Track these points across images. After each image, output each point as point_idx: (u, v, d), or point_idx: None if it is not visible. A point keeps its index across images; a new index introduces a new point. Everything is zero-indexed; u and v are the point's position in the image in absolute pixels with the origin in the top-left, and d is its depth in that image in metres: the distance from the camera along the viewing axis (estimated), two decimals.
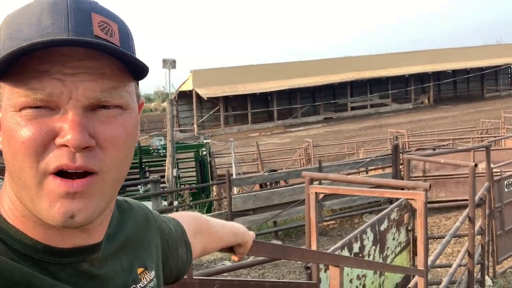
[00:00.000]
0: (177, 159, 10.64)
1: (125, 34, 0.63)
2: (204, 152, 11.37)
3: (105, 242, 0.69)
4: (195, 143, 12.62)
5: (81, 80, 0.58)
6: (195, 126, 32.40)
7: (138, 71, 0.63)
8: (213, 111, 32.78)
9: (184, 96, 33.30)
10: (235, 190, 9.60)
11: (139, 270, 0.76)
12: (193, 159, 11.48)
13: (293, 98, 34.62)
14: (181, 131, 29.89)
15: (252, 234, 1.24)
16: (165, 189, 9.18)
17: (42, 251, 0.62)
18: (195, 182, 11.38)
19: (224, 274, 3.65)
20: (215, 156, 12.35)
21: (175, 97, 25.26)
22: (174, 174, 9.40)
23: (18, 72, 0.57)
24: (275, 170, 10.75)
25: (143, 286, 0.76)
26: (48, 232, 0.63)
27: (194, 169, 11.43)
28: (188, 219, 1.04)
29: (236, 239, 1.17)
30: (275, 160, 15.78)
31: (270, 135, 28.24)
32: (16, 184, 0.60)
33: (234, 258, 1.24)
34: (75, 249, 0.64)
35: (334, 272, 2.03)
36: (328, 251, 3.62)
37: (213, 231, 1.10)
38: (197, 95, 31.92)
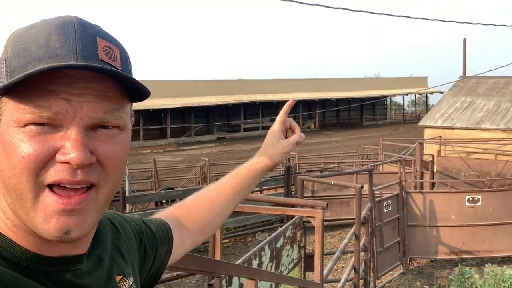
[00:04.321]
0: None
1: (125, 59, 0.68)
2: None
3: (86, 257, 0.72)
4: None
5: (86, 101, 0.62)
6: None
7: (136, 93, 0.67)
8: None
9: None
10: (128, 208, 9.28)
11: (118, 277, 0.79)
12: None
13: (187, 116, 34.52)
14: None
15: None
16: None
17: (31, 260, 0.64)
18: None
19: None
20: None
21: None
22: None
23: (25, 90, 0.60)
24: (172, 188, 10.62)
25: None
26: (38, 241, 0.64)
27: None
28: (173, 210, 1.06)
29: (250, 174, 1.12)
30: (170, 178, 15.56)
31: (162, 153, 27.74)
32: (11, 196, 0.62)
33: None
34: (61, 258, 0.67)
35: (250, 285, 2.13)
36: None
37: (201, 204, 1.07)
38: None
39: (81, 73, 0.61)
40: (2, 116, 0.62)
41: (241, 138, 34.56)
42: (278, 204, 4.48)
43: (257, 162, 1.15)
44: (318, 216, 3.51)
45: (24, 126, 0.60)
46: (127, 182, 10.73)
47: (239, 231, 9.97)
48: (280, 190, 10.49)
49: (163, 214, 1.05)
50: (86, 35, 0.63)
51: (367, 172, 7.35)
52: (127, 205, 8.76)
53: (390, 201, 8.32)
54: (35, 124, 0.60)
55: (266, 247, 4.60)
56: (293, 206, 4.30)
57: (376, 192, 7.64)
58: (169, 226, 1.00)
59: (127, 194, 9.65)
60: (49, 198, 0.60)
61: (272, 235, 4.96)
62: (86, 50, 0.62)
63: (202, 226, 1.06)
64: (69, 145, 0.60)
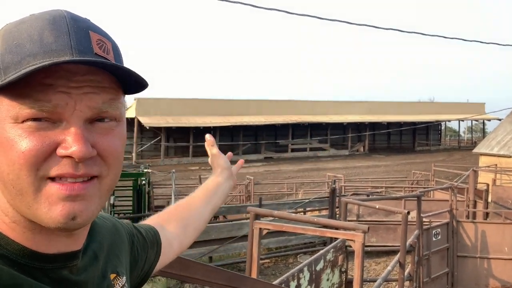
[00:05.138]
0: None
1: (117, 51, 0.68)
2: (143, 182, 11.11)
3: (81, 253, 0.72)
4: (134, 171, 12.32)
5: (84, 93, 0.62)
6: (133, 154, 31.64)
7: (130, 85, 0.68)
8: (154, 140, 32.27)
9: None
10: None
11: (112, 276, 0.79)
12: (131, 187, 11.18)
13: (235, 135, 34.90)
14: None
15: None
16: None
17: (28, 256, 0.64)
18: (130, 211, 11.04)
19: None
20: (153, 186, 12.11)
21: None
22: (111, 201, 9.10)
23: (21, 86, 0.60)
24: None
25: None
26: (36, 237, 0.65)
27: (131, 198, 11.11)
28: (157, 217, 1.10)
29: (218, 184, 1.27)
30: None
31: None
32: (10, 193, 0.62)
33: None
34: (58, 255, 0.67)
35: None
36: None
37: (184, 208, 1.15)
38: (139, 124, 31.37)
39: (78, 67, 0.62)
40: None
41: (288, 158, 34.45)
42: (318, 225, 4.39)
43: (217, 174, 1.31)
44: (358, 239, 3.40)
45: (23, 122, 0.60)
46: (173, 197, 10.92)
47: (280, 252, 9.85)
48: (325, 212, 10.31)
49: (148, 221, 1.08)
50: (79, 29, 0.64)
51: (416, 198, 7.10)
52: None
53: (439, 230, 7.97)
54: (33, 119, 0.60)
55: (305, 269, 4.50)
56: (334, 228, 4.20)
57: (424, 219, 7.35)
58: (157, 230, 1.02)
59: None
60: (52, 188, 0.61)
61: (312, 257, 4.85)
62: (81, 44, 0.62)
63: (184, 227, 1.11)
64: (70, 139, 0.60)
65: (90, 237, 0.77)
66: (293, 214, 5.20)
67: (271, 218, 5.96)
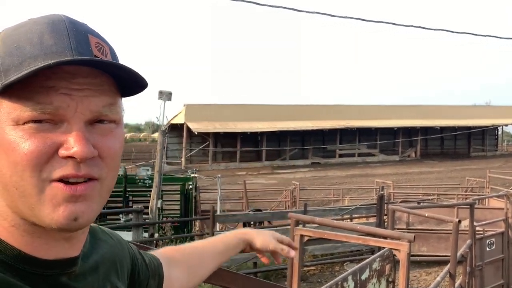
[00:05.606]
0: (162, 190, 10.55)
1: (114, 54, 0.69)
2: (190, 186, 11.30)
3: (80, 260, 0.71)
4: (182, 176, 12.56)
5: (85, 95, 0.63)
6: (183, 159, 32.30)
7: (132, 87, 0.69)
8: (202, 146, 32.80)
9: (175, 129, 33.36)
10: (218, 226, 9.50)
11: None
12: (179, 192, 11.38)
13: (282, 140, 34.86)
14: (168, 163, 29.70)
15: (247, 230, 1.21)
16: (147, 220, 9.04)
17: (27, 262, 0.64)
18: (178, 215, 11.24)
19: None
20: (200, 191, 12.28)
21: (166, 129, 25.39)
22: (159, 205, 9.29)
23: (22, 88, 0.60)
24: (260, 210, 10.68)
25: None
26: (35, 242, 0.64)
27: (179, 202, 11.32)
28: (165, 251, 1.08)
29: (228, 246, 1.17)
30: (261, 200, 15.71)
31: (256, 175, 28.20)
32: (11, 195, 0.62)
33: (264, 260, 1.22)
34: (57, 261, 0.66)
35: None
36: None
37: (194, 255, 1.11)
38: (188, 129, 32.01)
39: (79, 69, 0.62)
40: None
41: (336, 164, 34.01)
42: (361, 233, 4.28)
43: (246, 232, 1.21)
44: (403, 249, 3.27)
45: (24, 124, 0.60)
46: (218, 202, 11.02)
47: (326, 259, 9.69)
48: (372, 220, 10.05)
49: (157, 251, 1.07)
50: (78, 32, 0.64)
51: (469, 206, 6.78)
52: (217, 223, 8.95)
53: (493, 239, 7.56)
54: (34, 121, 0.60)
55: (350, 278, 4.38)
56: (380, 237, 4.07)
57: (478, 228, 7.01)
58: (161, 263, 1.00)
59: (218, 213, 9.88)
60: (55, 189, 0.61)
61: (357, 266, 4.72)
62: (81, 46, 0.63)
63: (189, 275, 1.08)
64: (72, 140, 0.61)
65: (93, 249, 0.77)
66: (336, 221, 5.08)
67: (314, 225, 5.87)
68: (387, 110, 37.92)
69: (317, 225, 5.50)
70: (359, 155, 36.29)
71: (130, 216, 8.64)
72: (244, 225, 9.73)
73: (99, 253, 0.78)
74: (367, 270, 4.70)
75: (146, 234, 8.75)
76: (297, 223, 3.81)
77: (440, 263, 9.20)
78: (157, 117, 9.78)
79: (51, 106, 0.61)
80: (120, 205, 10.79)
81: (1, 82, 0.61)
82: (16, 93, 0.60)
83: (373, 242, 3.67)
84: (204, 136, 32.29)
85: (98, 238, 0.80)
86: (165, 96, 9.15)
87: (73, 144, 0.61)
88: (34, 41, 0.62)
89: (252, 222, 9.81)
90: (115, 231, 0.91)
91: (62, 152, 0.61)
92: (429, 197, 13.11)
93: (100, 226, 0.86)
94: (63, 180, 0.61)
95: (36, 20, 0.65)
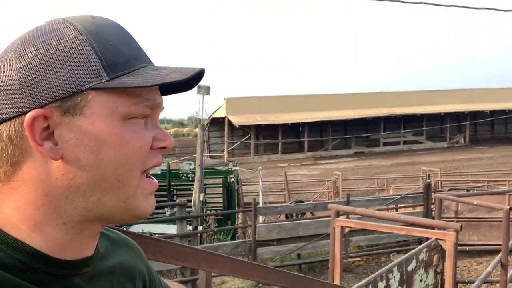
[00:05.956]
0: (205, 184, 10.67)
1: None
2: (232, 179, 11.37)
3: (96, 260, 0.70)
4: (224, 169, 12.66)
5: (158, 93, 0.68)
6: (225, 153, 32.61)
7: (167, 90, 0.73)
8: (244, 138, 32.98)
9: (217, 123, 33.71)
10: (260, 219, 9.52)
11: None
12: (221, 185, 11.49)
13: (324, 130, 34.50)
14: (211, 157, 30.11)
15: None
16: (191, 213, 9.19)
17: (42, 261, 0.62)
18: (221, 208, 11.35)
19: None
20: (242, 183, 12.34)
21: (207, 123, 25.67)
22: (201, 198, 9.41)
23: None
24: (302, 201, 10.61)
25: None
26: (54, 239, 0.63)
27: (221, 195, 11.42)
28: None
29: None
30: (303, 191, 15.63)
31: (299, 166, 28.07)
32: (104, 188, 0.62)
33: None
34: (72, 262, 0.65)
35: None
36: None
37: None
38: (229, 123, 32.25)
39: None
40: (87, 110, 0.61)
41: (380, 153, 33.32)
42: (406, 224, 4.15)
43: None
44: (449, 239, 3.15)
45: (130, 118, 0.63)
46: (260, 194, 11.05)
47: (372, 250, 9.51)
48: (419, 209, 9.77)
49: (168, 282, 1.02)
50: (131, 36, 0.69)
51: None
52: (259, 216, 8.97)
53: None
54: (138, 117, 0.64)
55: (395, 269, 4.27)
56: (423, 227, 3.94)
57: None
58: None
59: (260, 205, 9.91)
60: (146, 182, 0.67)
61: (403, 257, 4.59)
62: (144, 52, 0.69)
63: None
64: (161, 133, 0.67)
65: (113, 252, 0.76)
66: (377, 212, 4.95)
67: (357, 216, 5.77)
68: (432, 96, 36.71)
69: (359, 215, 5.40)
70: (405, 143, 35.38)
71: (175, 209, 8.81)
72: (286, 217, 9.71)
73: (119, 258, 0.77)
74: (414, 261, 4.57)
75: (190, 227, 8.89)
76: (338, 214, 3.74)
77: (492, 252, 8.84)
78: (196, 112, 9.89)
79: (155, 102, 0.66)
80: (165, 199, 11.00)
81: (108, 76, 0.61)
82: (127, 89, 0.63)
83: (417, 232, 3.56)
84: (245, 129, 32.43)
85: (115, 242, 0.79)
86: (204, 90, 9.21)
87: (163, 136, 0.67)
88: (125, 41, 0.65)
89: (294, 214, 9.77)
90: (160, 225, 0.91)
91: (159, 143, 0.67)
92: (479, 185, 12.64)
93: (118, 232, 0.85)
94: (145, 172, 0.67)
95: (106, 22, 0.66)
